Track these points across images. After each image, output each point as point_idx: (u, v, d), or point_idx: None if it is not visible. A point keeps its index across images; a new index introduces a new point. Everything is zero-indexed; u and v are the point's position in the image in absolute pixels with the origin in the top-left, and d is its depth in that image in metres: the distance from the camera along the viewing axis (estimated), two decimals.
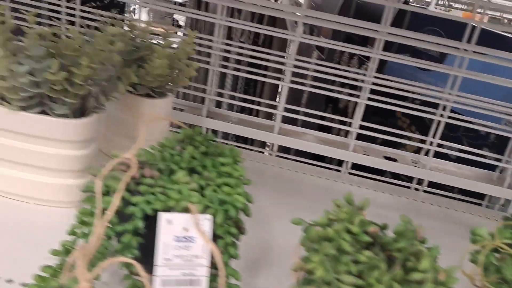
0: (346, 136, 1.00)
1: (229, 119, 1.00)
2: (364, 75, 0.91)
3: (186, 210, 0.47)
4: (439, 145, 0.95)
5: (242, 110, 1.21)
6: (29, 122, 0.57)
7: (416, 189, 0.98)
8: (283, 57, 0.94)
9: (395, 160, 0.97)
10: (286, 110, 0.96)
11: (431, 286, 0.41)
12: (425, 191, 0.97)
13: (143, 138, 0.53)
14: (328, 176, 0.95)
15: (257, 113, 1.20)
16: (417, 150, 1.06)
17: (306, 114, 1.01)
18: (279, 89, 1.25)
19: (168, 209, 0.48)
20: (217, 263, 0.43)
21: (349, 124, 0.96)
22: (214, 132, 1.06)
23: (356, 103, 0.93)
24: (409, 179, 1.01)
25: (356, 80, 0.92)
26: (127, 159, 0.51)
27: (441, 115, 0.92)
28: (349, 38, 1.10)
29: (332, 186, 0.91)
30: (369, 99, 0.92)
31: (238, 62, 1.08)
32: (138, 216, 0.47)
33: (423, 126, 1.26)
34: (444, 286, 0.42)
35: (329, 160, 1.09)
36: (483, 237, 0.50)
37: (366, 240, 0.44)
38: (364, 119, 0.94)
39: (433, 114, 0.93)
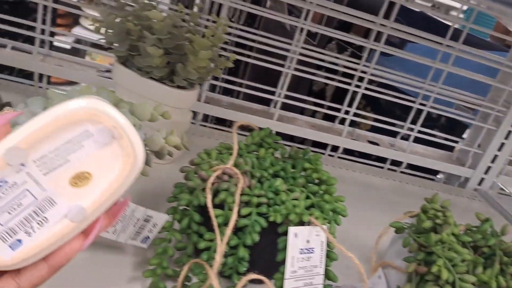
0: (329, 120, 1.05)
1: (222, 103, 0.97)
2: (358, 64, 0.96)
3: (302, 221, 0.47)
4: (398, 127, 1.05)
5: (228, 93, 1.18)
6: None
7: (392, 170, 1.08)
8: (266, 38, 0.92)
9: (377, 144, 1.05)
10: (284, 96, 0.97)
11: None
12: (401, 172, 1.08)
13: (236, 145, 0.51)
14: None
15: (237, 95, 1.18)
16: (370, 129, 1.16)
17: (294, 99, 1.02)
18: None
19: (283, 222, 0.47)
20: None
21: (340, 111, 1.00)
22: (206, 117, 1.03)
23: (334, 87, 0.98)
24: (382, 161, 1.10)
25: (349, 68, 0.96)
26: (229, 168, 0.49)
27: (421, 104, 1.01)
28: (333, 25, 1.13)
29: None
30: (341, 82, 0.97)
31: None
32: (256, 230, 0.46)
33: (378, 106, 1.37)
34: None
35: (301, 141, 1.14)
36: None
37: (466, 240, 0.50)
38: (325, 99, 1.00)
39: (412, 102, 1.02)
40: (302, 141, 1.20)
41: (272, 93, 0.98)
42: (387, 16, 0.92)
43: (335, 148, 1.04)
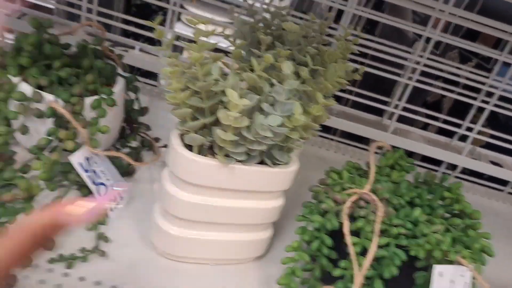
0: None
1: (332, 111, 0.95)
2: (487, 77, 0.87)
3: (445, 259, 0.43)
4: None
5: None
6: (248, 177, 0.46)
7: None
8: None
9: (500, 166, 0.95)
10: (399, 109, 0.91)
11: None
12: None
13: (373, 169, 0.48)
14: None
15: (346, 103, 1.14)
16: (485, 145, 1.05)
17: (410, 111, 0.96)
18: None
19: (423, 257, 0.44)
20: None
21: (460, 126, 0.93)
22: None
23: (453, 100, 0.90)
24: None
25: (474, 81, 0.88)
26: (366, 193, 0.46)
27: None
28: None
29: None
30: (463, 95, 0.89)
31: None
32: (395, 263, 0.43)
33: (495, 121, 1.24)
34: None
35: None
36: None
37: None
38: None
39: None
40: (410, 154, 1.13)
41: (385, 102, 0.93)
42: None
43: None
